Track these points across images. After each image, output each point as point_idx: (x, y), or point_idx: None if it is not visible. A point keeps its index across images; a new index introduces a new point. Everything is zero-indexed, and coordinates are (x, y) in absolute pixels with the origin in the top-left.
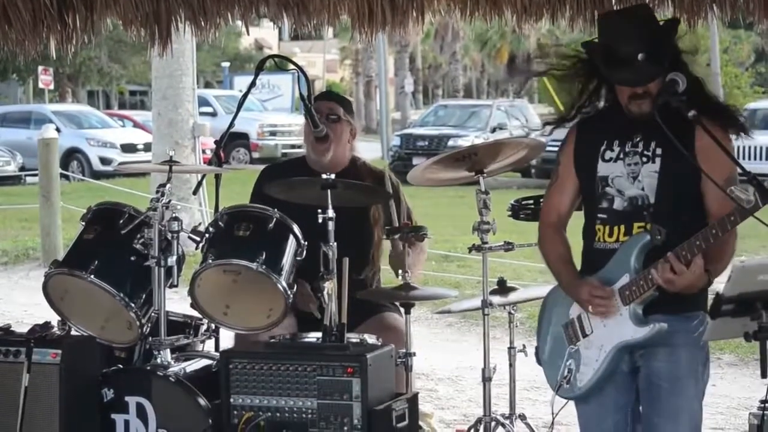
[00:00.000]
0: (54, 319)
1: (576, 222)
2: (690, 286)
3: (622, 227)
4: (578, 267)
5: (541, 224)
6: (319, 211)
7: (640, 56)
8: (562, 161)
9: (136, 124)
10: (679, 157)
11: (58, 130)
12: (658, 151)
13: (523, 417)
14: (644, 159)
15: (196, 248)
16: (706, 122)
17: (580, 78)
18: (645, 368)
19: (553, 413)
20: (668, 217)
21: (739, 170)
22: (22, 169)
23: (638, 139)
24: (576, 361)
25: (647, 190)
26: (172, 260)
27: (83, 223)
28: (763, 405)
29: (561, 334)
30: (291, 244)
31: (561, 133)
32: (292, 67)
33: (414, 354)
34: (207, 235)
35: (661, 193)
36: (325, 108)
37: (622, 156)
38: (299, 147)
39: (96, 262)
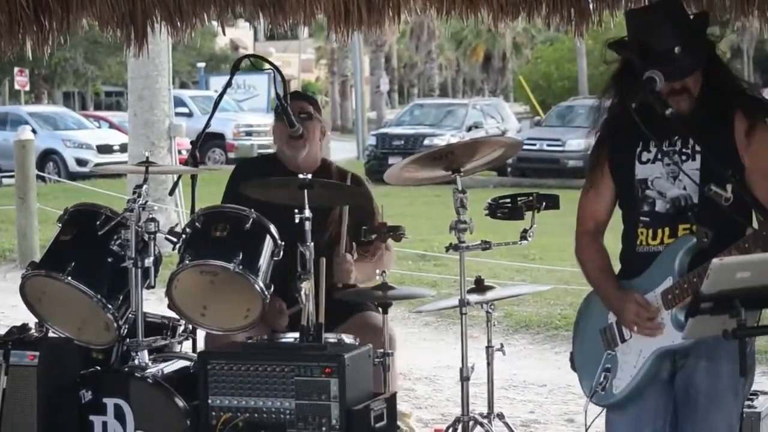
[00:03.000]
0: (31, 320)
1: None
2: None
3: (667, 230)
4: (616, 269)
5: (578, 233)
6: (296, 211)
7: (676, 50)
8: (597, 167)
9: (112, 125)
10: (720, 151)
11: (34, 131)
12: (698, 147)
13: (501, 416)
14: (683, 157)
15: (173, 249)
16: (745, 112)
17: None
18: (683, 379)
19: (586, 423)
20: (712, 216)
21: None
22: None
23: (675, 137)
24: (613, 366)
25: (689, 189)
26: (149, 261)
27: (60, 225)
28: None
29: (597, 338)
30: (268, 245)
31: (536, 132)
32: (267, 67)
33: (391, 353)
34: (184, 236)
35: (704, 190)
36: (296, 107)
37: (660, 156)
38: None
39: (73, 263)
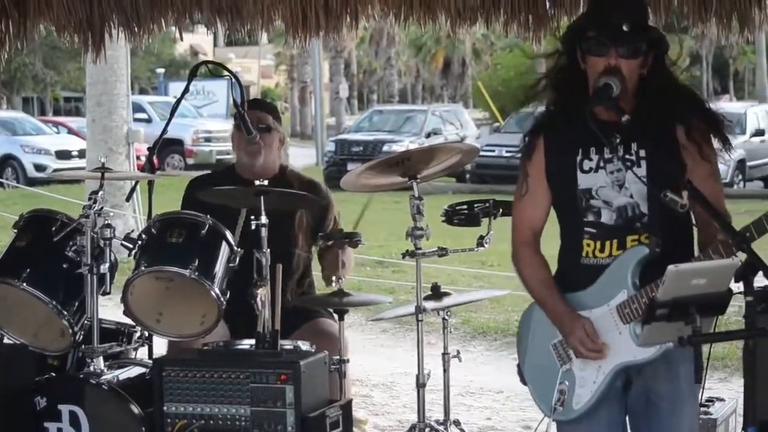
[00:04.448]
0: None
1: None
2: None
3: (615, 242)
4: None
5: (515, 244)
6: (252, 217)
7: (625, 27)
8: (531, 173)
9: (70, 131)
10: (665, 156)
11: None
12: (642, 153)
13: (457, 423)
14: (628, 164)
15: (129, 255)
16: (694, 123)
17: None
18: (641, 386)
19: None
20: (662, 224)
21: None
22: None
23: (616, 142)
24: (570, 382)
25: (636, 197)
26: (104, 267)
27: (15, 231)
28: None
29: (549, 352)
30: (224, 251)
31: (495, 138)
32: (226, 73)
33: (348, 360)
34: (140, 242)
35: (653, 199)
36: (255, 117)
37: (602, 164)
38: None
39: (28, 269)
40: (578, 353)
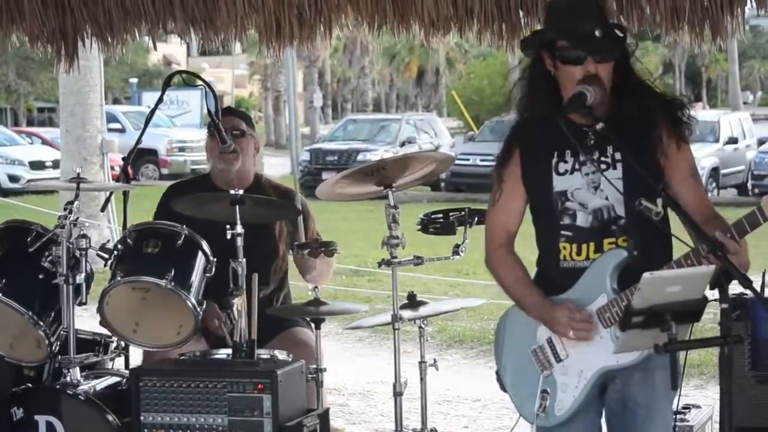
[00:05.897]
0: None
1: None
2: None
3: (592, 245)
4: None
5: (489, 247)
6: (228, 227)
7: (597, 32)
8: (506, 179)
9: (44, 141)
10: (640, 158)
11: None
12: (617, 155)
13: (434, 431)
14: (603, 166)
15: (105, 265)
16: (662, 118)
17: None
18: (618, 391)
19: None
20: (640, 226)
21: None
22: None
23: (591, 145)
24: (551, 388)
25: (612, 199)
26: (80, 278)
27: None
28: (674, 416)
29: (528, 358)
30: (200, 261)
31: (470, 147)
32: (200, 82)
33: (324, 369)
34: (115, 253)
35: (629, 202)
36: (228, 124)
37: (577, 166)
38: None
39: (4, 280)
40: (571, 332)
